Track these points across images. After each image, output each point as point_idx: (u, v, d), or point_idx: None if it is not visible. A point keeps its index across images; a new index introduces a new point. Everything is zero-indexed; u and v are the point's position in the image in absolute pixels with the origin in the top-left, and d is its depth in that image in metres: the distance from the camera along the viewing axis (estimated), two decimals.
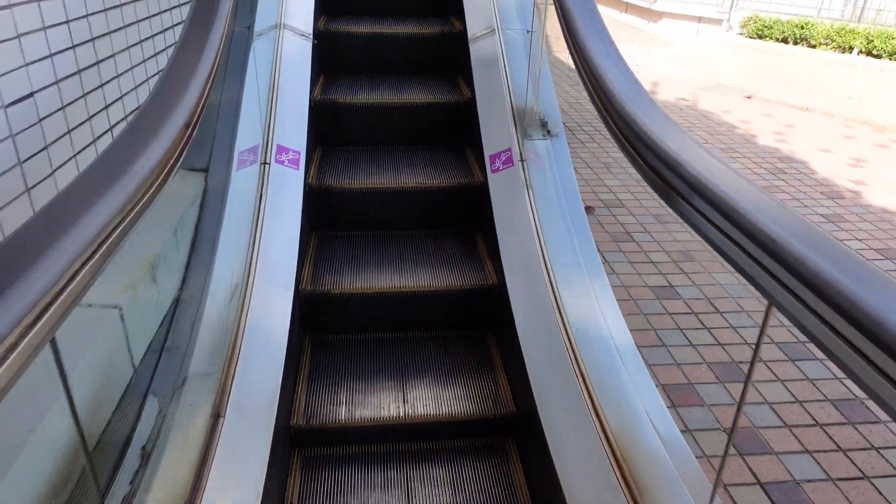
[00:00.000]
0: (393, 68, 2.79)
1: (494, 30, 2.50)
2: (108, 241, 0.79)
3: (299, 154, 2.10)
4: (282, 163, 2.05)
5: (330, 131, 2.54)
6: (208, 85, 1.25)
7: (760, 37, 6.61)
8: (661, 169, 1.06)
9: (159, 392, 1.41)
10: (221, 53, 1.39)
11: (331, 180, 2.26)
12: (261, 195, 1.92)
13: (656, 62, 7.93)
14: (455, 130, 2.57)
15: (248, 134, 2.07)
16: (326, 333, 2.05)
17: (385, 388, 1.82)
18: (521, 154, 2.11)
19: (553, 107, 2.24)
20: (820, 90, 6.07)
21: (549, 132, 2.19)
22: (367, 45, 2.75)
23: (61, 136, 1.48)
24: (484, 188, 2.19)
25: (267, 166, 2.00)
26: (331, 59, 2.75)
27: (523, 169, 2.08)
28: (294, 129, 2.16)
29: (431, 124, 2.56)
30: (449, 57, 2.80)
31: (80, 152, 1.57)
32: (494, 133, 2.25)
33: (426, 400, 1.78)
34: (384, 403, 1.76)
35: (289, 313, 1.60)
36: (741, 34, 6.96)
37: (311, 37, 2.49)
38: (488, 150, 2.22)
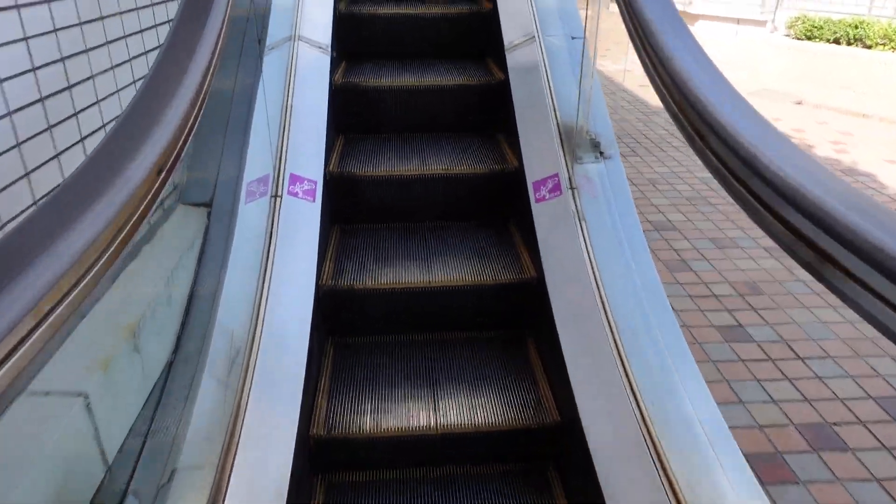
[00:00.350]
0: (424, 120, 2.49)
1: (534, 37, 2.23)
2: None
3: (315, 184, 1.85)
4: (295, 195, 1.80)
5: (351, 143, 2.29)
6: (193, 115, 1.00)
7: (809, 38, 6.23)
8: (798, 222, 0.77)
9: (142, 491, 1.15)
10: (213, 71, 1.15)
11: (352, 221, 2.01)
12: (270, 233, 1.67)
13: None
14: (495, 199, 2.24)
15: (258, 162, 1.83)
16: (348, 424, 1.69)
17: None
18: (570, 180, 1.83)
19: (605, 124, 1.96)
20: (877, 94, 5.67)
21: (601, 154, 1.91)
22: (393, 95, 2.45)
23: None
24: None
25: (278, 199, 1.75)
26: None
27: (574, 197, 1.80)
28: (310, 157, 1.91)
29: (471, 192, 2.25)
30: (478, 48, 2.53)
31: None
32: (538, 156, 1.97)
33: None
34: None
35: (299, 393, 1.33)
36: (787, 35, 6.59)
37: (329, 49, 2.25)
38: (531, 176, 1.94)
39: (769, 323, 2.41)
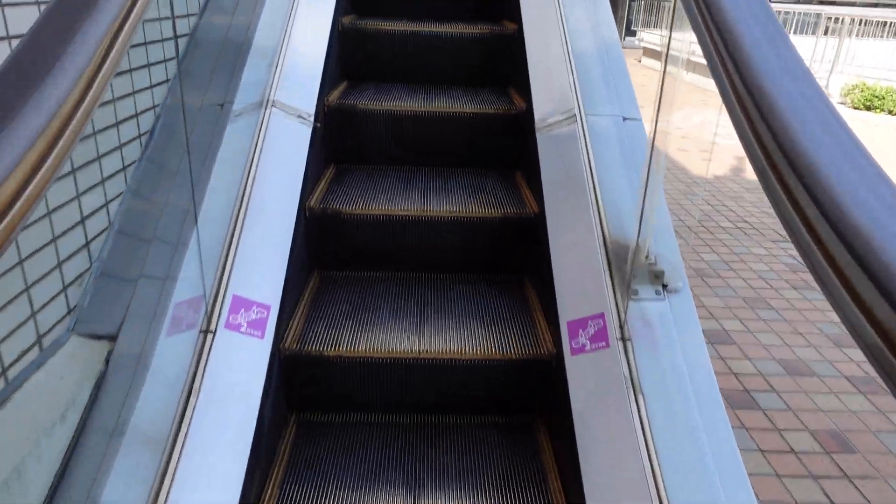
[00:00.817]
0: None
1: (575, 115, 1.75)
2: None
3: (267, 311, 1.36)
4: (236, 328, 1.30)
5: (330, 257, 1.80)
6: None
7: (868, 108, 5.73)
8: None
9: None
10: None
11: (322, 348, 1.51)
12: (189, 393, 1.17)
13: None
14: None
15: (195, 276, 1.35)
16: None
17: None
18: (621, 326, 1.32)
19: (670, 243, 1.45)
20: None
21: (665, 286, 1.40)
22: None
23: None
24: (558, 382, 1.40)
25: (210, 336, 1.25)
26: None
27: (626, 353, 1.29)
28: (265, 270, 1.42)
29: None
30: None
31: None
32: (576, 286, 1.47)
33: None
34: None
35: None
36: (842, 104, 6.10)
37: (312, 118, 1.79)
38: (565, 315, 1.43)
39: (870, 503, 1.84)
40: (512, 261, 1.91)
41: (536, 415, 1.63)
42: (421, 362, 1.53)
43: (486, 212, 1.83)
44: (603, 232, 1.48)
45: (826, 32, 8.16)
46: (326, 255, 1.89)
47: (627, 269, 1.40)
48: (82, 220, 1.32)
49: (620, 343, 1.30)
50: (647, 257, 1.39)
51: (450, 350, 1.53)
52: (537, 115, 1.86)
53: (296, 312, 1.64)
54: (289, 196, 1.58)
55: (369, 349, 1.52)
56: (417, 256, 1.88)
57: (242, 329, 1.30)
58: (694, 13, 1.05)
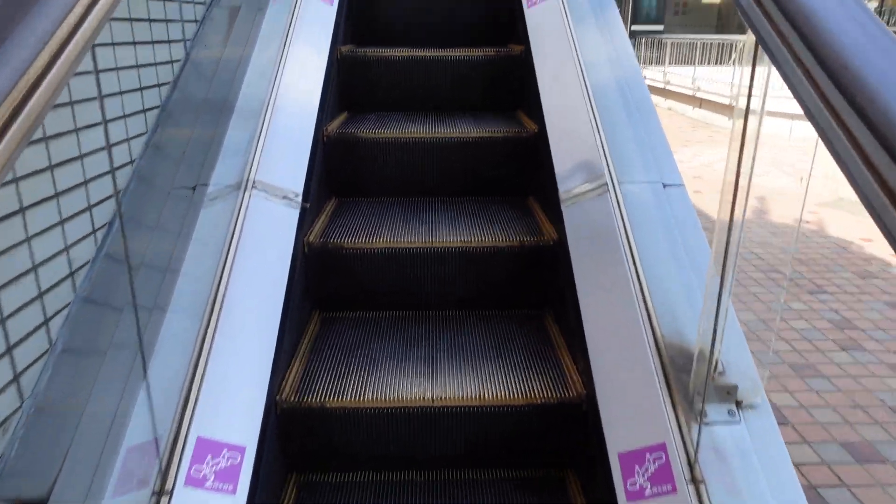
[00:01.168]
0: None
1: (606, 183, 1.50)
2: None
3: (241, 455, 1.09)
4: (200, 483, 1.03)
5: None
6: None
7: None
8: None
9: None
10: None
11: None
12: None
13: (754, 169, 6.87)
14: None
15: (150, 414, 1.08)
16: None
17: None
18: (689, 463, 1.04)
19: (741, 350, 1.19)
20: None
21: (739, 403, 1.13)
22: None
23: None
24: None
25: (165, 500, 0.98)
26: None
27: (698, 496, 1.01)
28: (239, 401, 1.15)
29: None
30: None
31: None
32: (624, 403, 1.19)
33: None
34: None
35: None
36: None
37: (300, 198, 1.55)
38: (615, 445, 1.15)
39: None
40: (530, 293, 1.76)
41: (568, 467, 1.45)
42: (434, 411, 1.36)
43: (499, 241, 1.69)
44: (653, 332, 1.21)
45: None
46: (327, 293, 1.74)
47: (691, 382, 1.13)
48: (9, 350, 1.06)
49: (691, 486, 1.02)
50: (716, 368, 1.12)
51: (467, 396, 1.36)
52: (561, 183, 1.62)
53: (293, 361, 1.41)
54: (270, 300, 1.33)
55: (376, 398, 1.35)
56: (427, 291, 1.72)
57: (208, 484, 1.03)
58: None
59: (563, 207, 1.57)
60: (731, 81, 9.83)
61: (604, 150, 1.59)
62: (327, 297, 1.75)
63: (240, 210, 1.43)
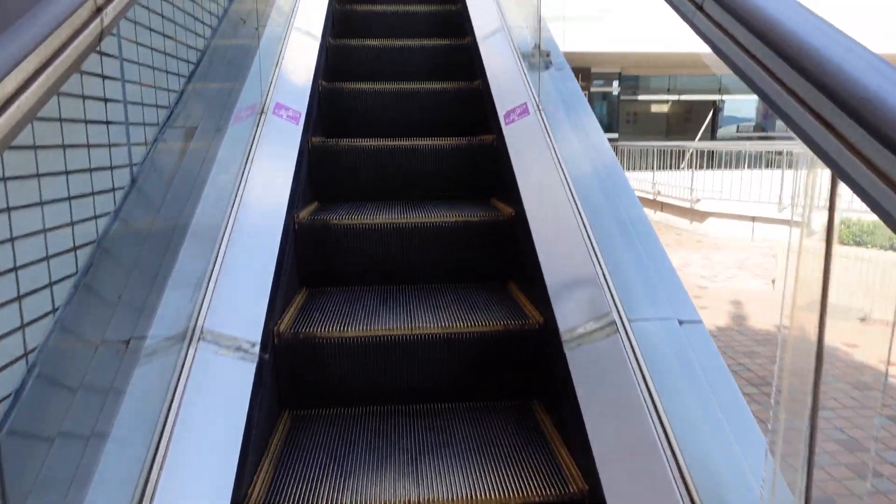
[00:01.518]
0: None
1: (614, 321, 1.31)
2: None
3: None
4: None
5: None
6: None
7: (858, 244, 5.57)
8: None
9: None
10: None
11: None
12: None
13: (722, 272, 6.89)
14: None
15: None
16: None
17: None
18: None
19: None
20: None
21: None
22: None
23: None
24: None
25: None
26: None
27: None
28: None
29: None
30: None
31: None
32: None
33: None
34: None
35: None
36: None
37: (256, 348, 1.31)
38: None
39: None
40: (517, 383, 1.65)
41: None
42: None
43: (483, 326, 1.59)
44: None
45: (790, 166, 8.33)
46: (299, 391, 1.57)
47: None
48: None
49: None
50: None
51: (457, 499, 1.21)
52: (561, 322, 1.42)
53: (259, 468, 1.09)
54: (217, 482, 1.06)
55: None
56: (408, 384, 1.60)
57: None
58: None
59: (566, 349, 1.36)
60: (689, 185, 10.13)
61: (605, 279, 1.41)
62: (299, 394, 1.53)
63: (184, 366, 1.18)
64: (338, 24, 3.13)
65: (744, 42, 0.85)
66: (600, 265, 1.43)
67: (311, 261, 1.88)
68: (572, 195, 1.64)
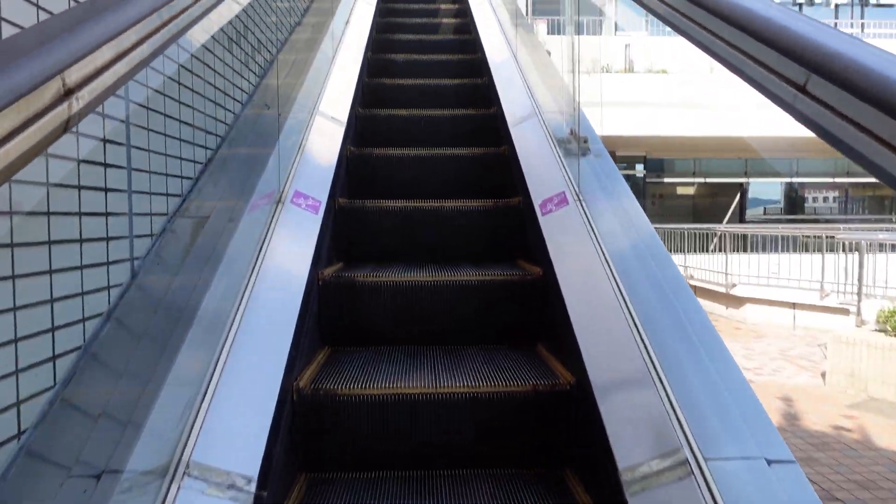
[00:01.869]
0: None
1: (686, 460, 1.08)
2: None
3: None
4: None
5: None
6: None
7: None
8: None
9: None
10: None
11: None
12: None
13: (767, 363, 6.51)
14: None
15: None
16: None
17: None
18: None
19: None
20: None
21: None
22: None
23: None
24: None
25: None
26: None
27: None
28: None
29: None
30: None
31: None
32: None
33: None
34: None
35: None
36: (881, 331, 5.59)
37: (253, 485, 1.09)
38: None
39: None
40: (548, 448, 1.53)
41: None
42: None
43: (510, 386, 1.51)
44: None
45: (843, 250, 8.05)
46: (317, 451, 1.49)
47: None
48: None
49: None
50: None
51: None
52: (619, 454, 1.19)
53: None
54: None
55: None
56: (431, 448, 1.53)
57: None
58: None
59: (626, 493, 1.12)
60: (723, 270, 9.81)
61: (672, 406, 1.18)
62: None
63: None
64: (367, 95, 3.07)
65: (868, 124, 0.67)
66: (664, 387, 1.21)
67: (332, 326, 1.69)
68: (625, 302, 1.44)
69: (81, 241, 1.32)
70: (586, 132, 2.15)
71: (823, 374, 5.84)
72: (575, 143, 2.18)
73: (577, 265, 1.68)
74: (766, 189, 18.01)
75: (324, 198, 1.95)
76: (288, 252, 1.70)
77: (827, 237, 8.61)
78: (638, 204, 1.83)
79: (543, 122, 2.43)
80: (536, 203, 2.02)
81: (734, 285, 9.36)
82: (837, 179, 16.26)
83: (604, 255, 1.62)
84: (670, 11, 1.11)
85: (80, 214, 1.31)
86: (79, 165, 1.31)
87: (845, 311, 7.69)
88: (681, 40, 1.09)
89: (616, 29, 14.46)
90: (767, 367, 6.30)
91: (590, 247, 1.69)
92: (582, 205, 1.85)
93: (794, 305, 8.51)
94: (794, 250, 9.65)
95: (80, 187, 1.30)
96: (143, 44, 0.82)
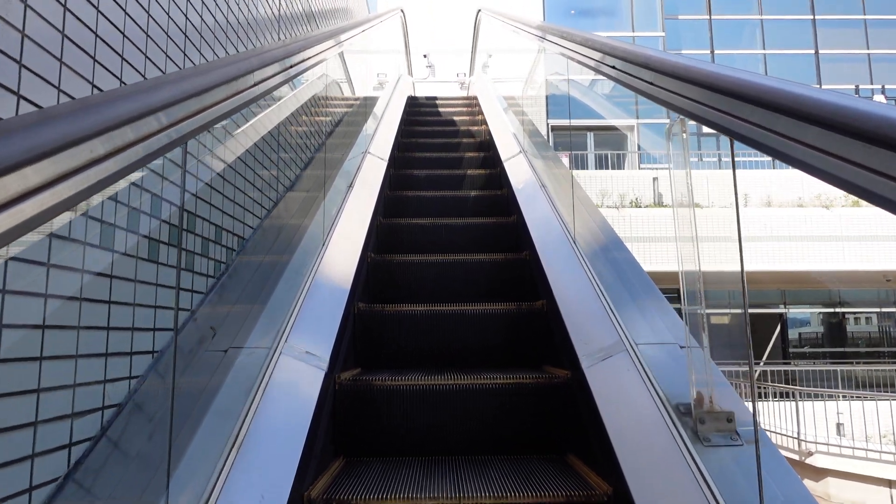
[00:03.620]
0: None
1: None
2: None
3: None
4: None
5: None
6: None
7: None
8: None
9: None
10: None
11: None
12: None
13: None
14: None
15: None
16: None
17: None
18: None
19: None
20: None
21: None
22: None
23: None
24: None
25: None
26: None
27: None
28: None
29: None
30: None
31: None
32: None
33: None
34: None
35: None
36: None
37: None
38: None
39: None
40: None
41: None
42: None
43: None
44: None
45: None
46: None
47: None
48: None
49: None
50: None
51: None
52: None
53: None
54: None
55: None
56: None
57: None
58: None
59: None
60: (793, 432, 8.82)
61: None
62: None
63: None
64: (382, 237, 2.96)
65: None
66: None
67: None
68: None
69: (76, 358, 1.29)
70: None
71: None
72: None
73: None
74: (796, 310, 15.75)
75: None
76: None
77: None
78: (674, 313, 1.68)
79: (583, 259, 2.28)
80: (581, 356, 1.84)
81: (810, 453, 8.35)
82: (885, 309, 14.38)
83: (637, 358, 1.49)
84: None
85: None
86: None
87: None
88: None
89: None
90: None
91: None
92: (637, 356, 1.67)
93: (889, 483, 7.40)
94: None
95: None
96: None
